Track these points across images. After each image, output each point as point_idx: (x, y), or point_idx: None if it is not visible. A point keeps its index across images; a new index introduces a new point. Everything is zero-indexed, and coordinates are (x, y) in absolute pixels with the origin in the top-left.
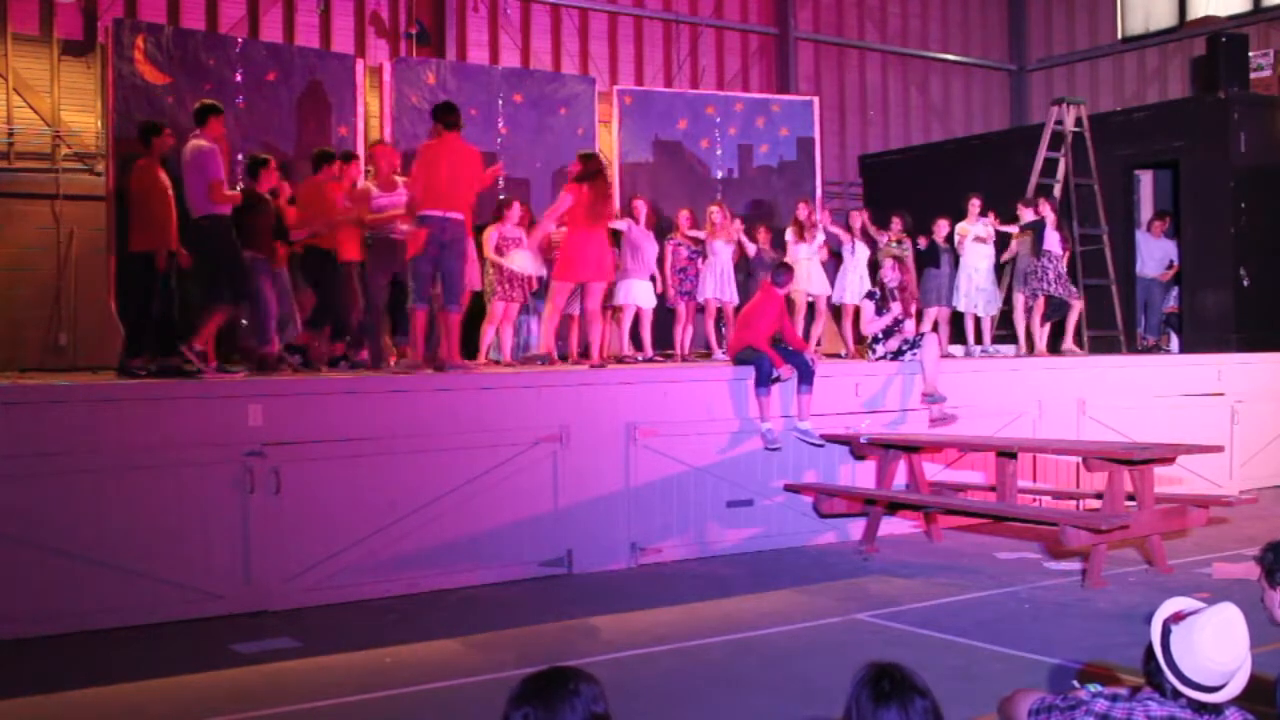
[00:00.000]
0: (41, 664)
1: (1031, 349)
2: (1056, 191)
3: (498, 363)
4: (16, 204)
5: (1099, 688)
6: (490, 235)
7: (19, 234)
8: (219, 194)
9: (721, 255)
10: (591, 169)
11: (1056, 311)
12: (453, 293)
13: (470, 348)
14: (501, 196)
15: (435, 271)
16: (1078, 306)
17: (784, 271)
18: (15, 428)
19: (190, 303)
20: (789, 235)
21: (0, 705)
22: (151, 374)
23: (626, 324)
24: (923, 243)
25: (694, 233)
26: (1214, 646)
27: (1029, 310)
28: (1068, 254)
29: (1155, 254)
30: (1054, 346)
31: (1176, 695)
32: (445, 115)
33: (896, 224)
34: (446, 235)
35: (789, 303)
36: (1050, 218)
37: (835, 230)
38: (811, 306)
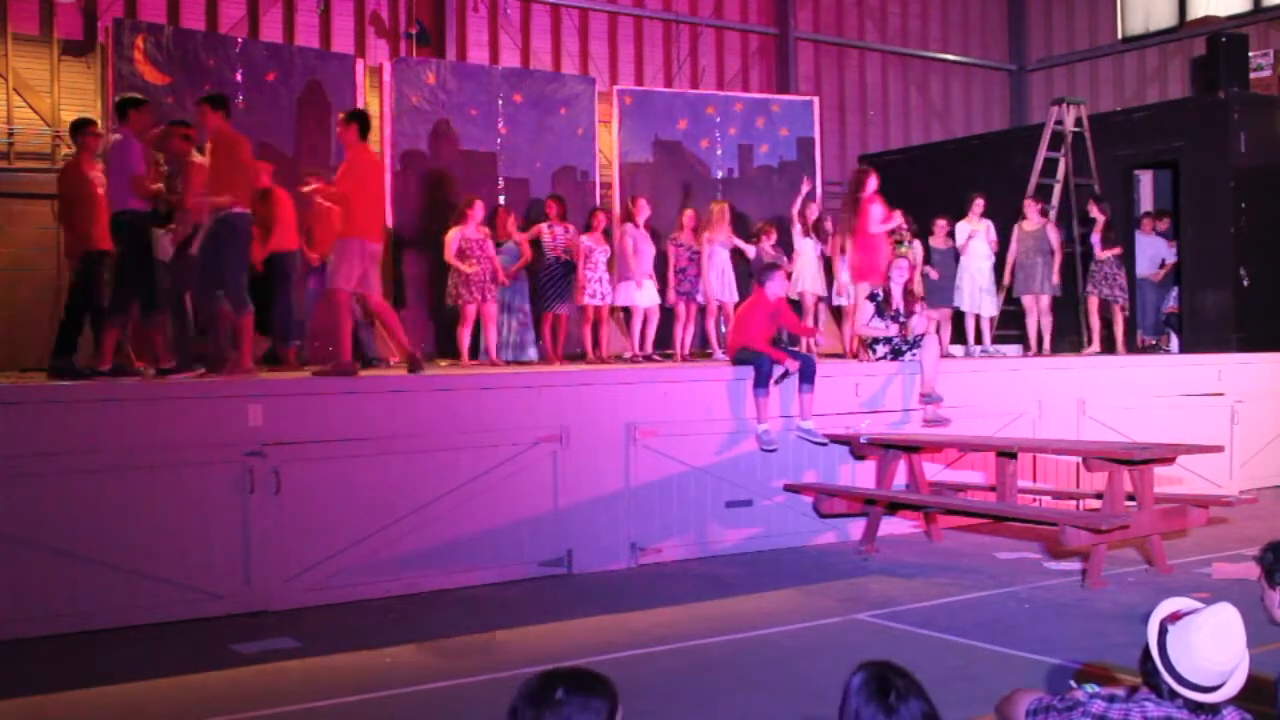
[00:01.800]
0: (41, 664)
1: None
2: (1056, 191)
3: (482, 363)
4: (16, 204)
5: (1096, 688)
6: (452, 238)
7: (19, 234)
8: (142, 188)
9: (720, 254)
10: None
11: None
12: (234, 294)
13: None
14: (501, 198)
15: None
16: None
17: (766, 271)
18: (15, 428)
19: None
20: (795, 230)
21: (3, 705)
22: (71, 375)
23: (637, 326)
24: (943, 242)
25: (689, 243)
26: (1211, 647)
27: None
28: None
29: (1146, 252)
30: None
31: (1173, 696)
32: (214, 103)
33: (901, 225)
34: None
35: (795, 304)
36: (1099, 219)
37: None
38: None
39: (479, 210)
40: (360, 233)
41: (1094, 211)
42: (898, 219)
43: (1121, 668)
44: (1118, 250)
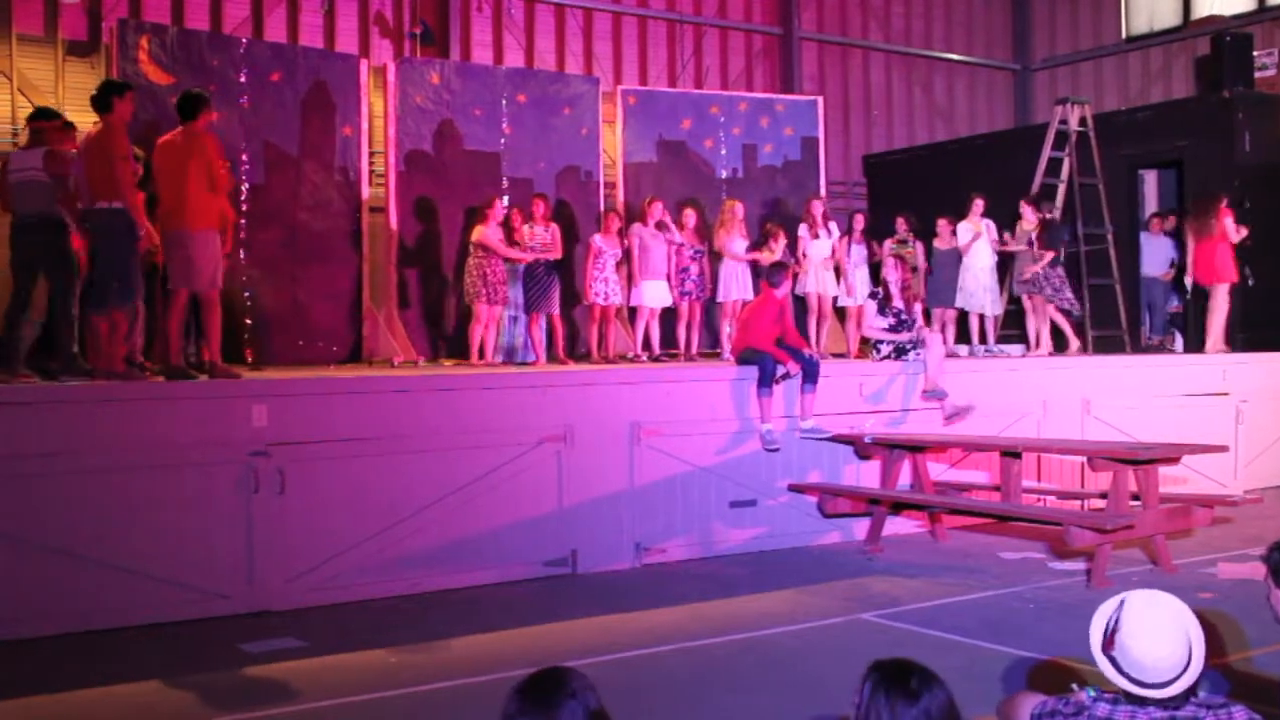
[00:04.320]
0: (47, 664)
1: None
2: (1061, 191)
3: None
4: None
5: (1097, 691)
6: (488, 233)
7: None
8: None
9: (734, 253)
10: None
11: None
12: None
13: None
14: (505, 198)
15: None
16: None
17: (778, 271)
18: (21, 428)
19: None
20: (802, 231)
21: (6, 705)
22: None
23: (641, 326)
24: (946, 242)
25: (691, 242)
26: (1151, 645)
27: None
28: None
29: (1155, 253)
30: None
31: (1179, 703)
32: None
33: (901, 225)
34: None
35: (801, 304)
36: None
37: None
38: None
39: (499, 210)
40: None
41: (1026, 212)
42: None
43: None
44: (1051, 253)
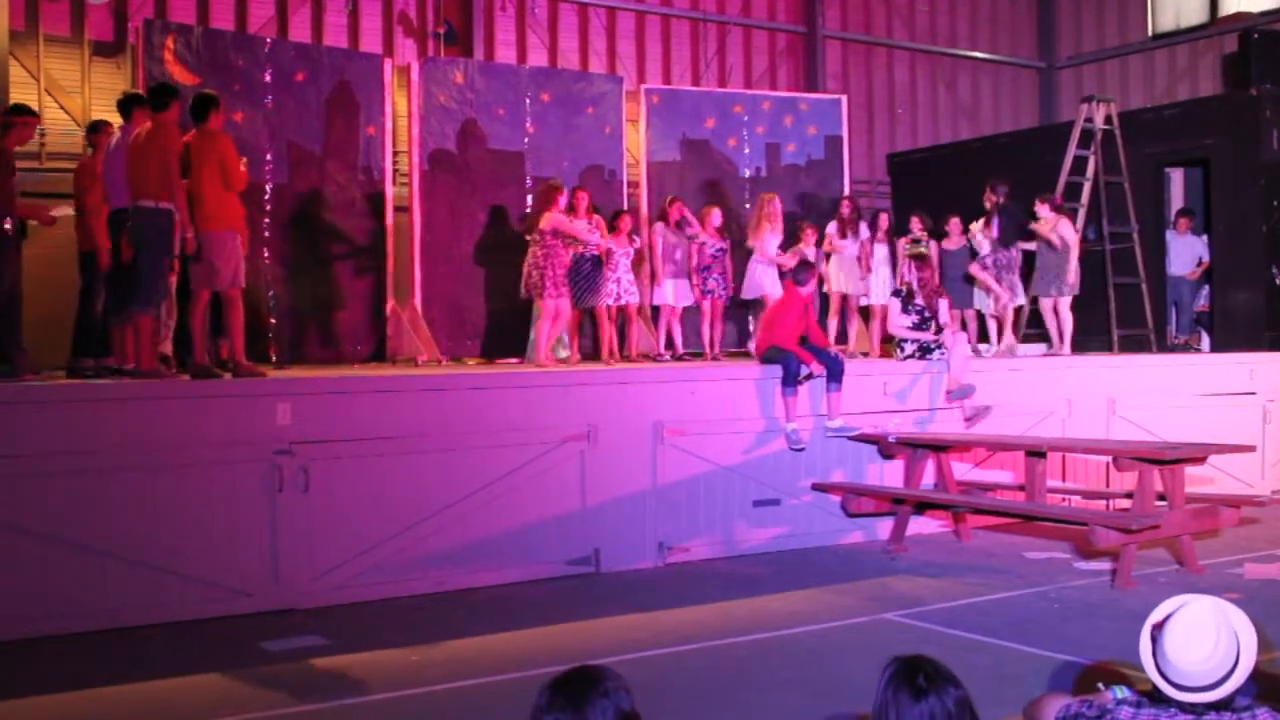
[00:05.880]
0: (71, 661)
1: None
2: (1086, 190)
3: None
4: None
5: (1126, 692)
6: (557, 217)
7: (52, 233)
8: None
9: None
10: None
11: None
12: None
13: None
14: (529, 198)
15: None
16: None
17: (805, 270)
18: (47, 427)
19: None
20: (831, 229)
21: (31, 702)
22: (96, 374)
23: (664, 325)
24: (956, 242)
25: (714, 240)
26: (1183, 648)
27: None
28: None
29: (1183, 252)
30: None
31: (1197, 708)
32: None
33: (916, 224)
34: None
35: (825, 302)
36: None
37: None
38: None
39: (566, 196)
40: None
41: (1042, 211)
42: None
43: (1133, 664)
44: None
